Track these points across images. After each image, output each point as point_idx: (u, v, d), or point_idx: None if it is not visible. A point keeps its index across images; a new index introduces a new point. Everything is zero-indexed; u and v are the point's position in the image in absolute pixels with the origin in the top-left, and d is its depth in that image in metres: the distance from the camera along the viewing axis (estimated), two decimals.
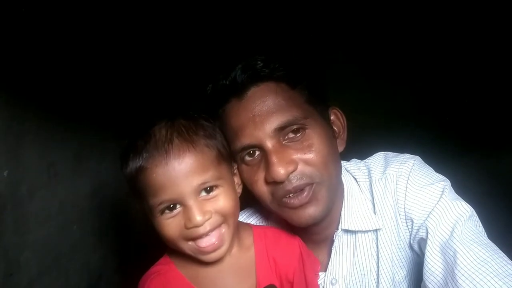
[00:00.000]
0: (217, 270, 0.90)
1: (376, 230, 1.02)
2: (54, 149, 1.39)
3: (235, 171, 0.98)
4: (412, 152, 1.07)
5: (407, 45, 2.55)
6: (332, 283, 1.04)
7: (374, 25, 2.53)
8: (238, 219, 0.96)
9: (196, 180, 0.83)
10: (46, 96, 1.35)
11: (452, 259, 0.86)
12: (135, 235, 2.03)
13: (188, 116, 0.92)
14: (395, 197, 1.00)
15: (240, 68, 0.95)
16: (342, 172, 1.06)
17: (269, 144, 0.91)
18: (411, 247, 1.01)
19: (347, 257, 1.04)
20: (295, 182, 0.92)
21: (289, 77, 0.96)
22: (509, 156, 2.46)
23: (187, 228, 0.82)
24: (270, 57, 0.97)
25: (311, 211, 0.94)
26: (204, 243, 0.84)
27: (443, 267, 0.88)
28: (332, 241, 1.05)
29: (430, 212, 0.94)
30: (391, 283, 1.01)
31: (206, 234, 0.84)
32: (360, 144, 1.26)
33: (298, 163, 0.92)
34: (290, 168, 0.91)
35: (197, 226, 0.82)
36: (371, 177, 1.04)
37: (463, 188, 1.04)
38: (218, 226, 0.86)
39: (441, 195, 0.95)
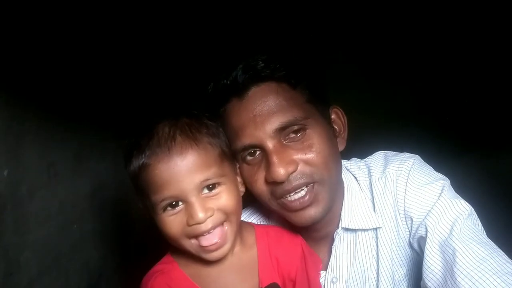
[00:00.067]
0: (220, 269, 0.90)
1: (376, 229, 1.02)
2: (54, 149, 1.40)
3: (238, 170, 0.99)
4: (412, 152, 1.07)
5: (407, 45, 2.55)
6: (332, 282, 1.04)
7: (374, 25, 2.54)
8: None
9: (199, 177, 0.83)
10: (46, 96, 1.36)
11: (451, 257, 0.86)
12: (135, 235, 2.03)
13: (191, 114, 0.92)
14: (394, 196, 1.00)
15: (241, 68, 0.95)
16: (343, 171, 1.07)
17: (269, 144, 0.91)
18: (410, 245, 1.01)
19: (348, 256, 1.04)
20: (294, 182, 0.92)
21: (290, 77, 0.96)
22: (509, 156, 2.46)
23: (189, 225, 0.82)
24: (271, 57, 0.97)
25: (312, 212, 0.95)
26: (207, 242, 0.84)
27: (442, 265, 0.88)
28: (333, 239, 1.05)
29: (430, 211, 0.94)
30: (391, 282, 1.01)
31: (208, 232, 0.84)
32: (360, 144, 1.26)
33: (298, 163, 0.92)
34: (291, 169, 0.91)
35: (199, 223, 0.82)
36: (371, 176, 1.05)
37: (463, 188, 1.04)
38: (221, 223, 0.86)
39: (441, 193, 0.95)
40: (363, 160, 1.12)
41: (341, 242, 1.05)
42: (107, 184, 1.77)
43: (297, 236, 1.02)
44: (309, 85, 0.99)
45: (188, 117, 0.90)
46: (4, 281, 1.14)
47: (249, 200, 1.04)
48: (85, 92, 1.60)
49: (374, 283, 1.03)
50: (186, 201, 0.83)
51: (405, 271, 1.03)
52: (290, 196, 0.94)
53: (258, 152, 0.95)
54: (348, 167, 1.11)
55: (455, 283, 0.83)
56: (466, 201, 0.95)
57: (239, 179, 0.97)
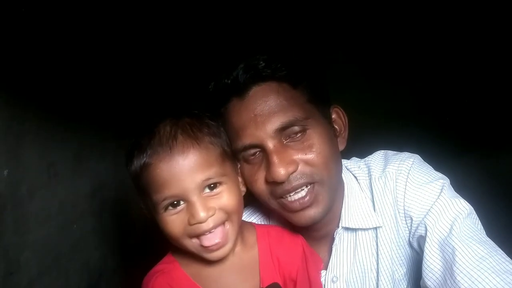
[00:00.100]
0: (221, 268, 0.90)
1: (376, 228, 1.02)
2: (54, 149, 1.40)
3: (239, 170, 0.99)
4: (412, 152, 1.07)
5: (407, 45, 2.55)
6: (333, 281, 1.04)
7: (374, 25, 2.54)
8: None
9: (200, 176, 0.83)
10: (46, 96, 1.36)
11: (450, 256, 0.86)
12: (135, 235, 2.03)
13: (192, 114, 0.92)
14: (394, 195, 1.00)
15: (242, 68, 0.95)
16: (343, 170, 1.07)
17: (270, 144, 0.91)
18: (410, 245, 1.01)
19: (348, 255, 1.04)
20: (294, 182, 0.92)
21: (291, 77, 0.96)
22: (509, 156, 2.46)
23: (191, 225, 0.82)
24: (272, 56, 0.97)
25: (312, 213, 0.95)
26: (208, 242, 0.84)
27: (442, 264, 0.88)
28: (333, 239, 1.05)
29: (429, 210, 0.94)
30: (390, 281, 1.01)
31: (209, 231, 0.84)
32: (360, 144, 1.26)
33: (298, 163, 0.92)
34: (291, 169, 0.91)
35: (201, 222, 0.82)
36: (371, 175, 1.05)
37: (463, 188, 1.04)
38: (222, 223, 0.86)
39: (440, 193, 0.95)
40: (363, 160, 1.12)
41: (341, 241, 1.05)
42: (107, 184, 1.77)
43: (298, 236, 1.02)
44: (310, 85, 0.99)
45: (189, 117, 0.90)
46: (4, 281, 1.14)
47: (250, 199, 1.04)
48: (85, 92, 1.60)
49: (374, 283, 1.03)
50: (187, 201, 0.83)
51: (405, 270, 1.03)
52: (290, 196, 0.94)
53: (258, 152, 0.95)
54: (348, 167, 1.11)
55: (454, 282, 0.83)
56: (466, 201, 0.96)
57: (240, 178, 0.97)
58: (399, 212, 1.00)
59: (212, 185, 0.85)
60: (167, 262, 0.95)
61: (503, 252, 0.87)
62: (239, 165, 0.98)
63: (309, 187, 0.94)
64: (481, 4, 2.33)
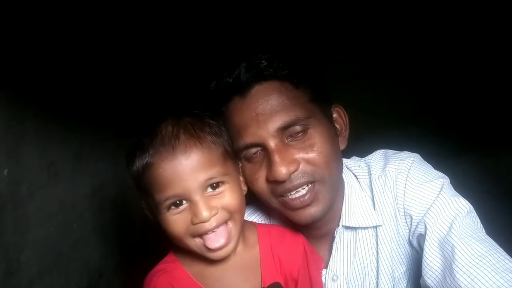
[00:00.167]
0: (223, 268, 0.90)
1: (376, 227, 1.02)
2: (54, 149, 1.39)
3: (240, 169, 0.99)
4: (412, 151, 1.08)
5: (407, 45, 2.55)
6: (333, 280, 1.04)
7: (374, 25, 2.54)
8: None
9: (203, 176, 0.83)
10: (46, 96, 1.35)
11: (450, 254, 0.87)
12: (135, 235, 2.03)
13: (194, 114, 0.93)
14: (394, 194, 1.00)
15: (244, 67, 0.95)
16: (343, 169, 1.07)
17: (272, 143, 0.92)
18: (410, 243, 1.01)
19: (348, 254, 1.04)
20: (295, 181, 0.92)
21: (293, 76, 0.96)
22: (509, 156, 2.46)
23: (194, 224, 0.83)
24: (274, 56, 0.97)
25: (312, 211, 0.95)
26: (213, 243, 0.84)
27: (442, 262, 0.88)
28: (333, 237, 1.05)
29: (429, 208, 0.94)
30: (390, 279, 1.01)
31: (212, 230, 0.84)
32: (360, 143, 1.26)
33: (300, 162, 0.93)
34: (292, 168, 0.91)
35: (204, 221, 0.82)
36: (371, 174, 1.05)
37: (463, 188, 1.04)
38: (224, 222, 0.86)
39: (440, 191, 0.95)
40: (363, 159, 1.12)
41: (342, 240, 1.05)
42: (107, 184, 1.77)
43: (299, 235, 1.02)
44: (311, 84, 0.99)
45: (191, 116, 0.90)
46: (4, 281, 1.14)
47: (251, 198, 1.04)
48: (85, 92, 1.60)
49: (374, 281, 1.03)
50: (190, 200, 0.83)
51: (404, 268, 1.03)
52: (291, 194, 0.94)
53: (259, 151, 0.95)
54: (349, 166, 1.11)
55: (454, 280, 0.83)
56: (465, 200, 0.96)
57: (241, 178, 0.97)
58: (399, 211, 1.00)
59: (214, 185, 0.85)
60: (169, 261, 0.95)
61: (502, 250, 0.87)
62: (240, 164, 0.98)
63: (310, 186, 0.94)
64: (481, 4, 2.33)
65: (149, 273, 0.93)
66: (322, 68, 1.11)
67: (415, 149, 1.08)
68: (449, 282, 0.85)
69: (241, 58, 0.97)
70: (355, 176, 1.08)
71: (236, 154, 0.97)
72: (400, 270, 1.02)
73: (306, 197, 0.93)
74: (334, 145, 0.99)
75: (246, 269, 0.92)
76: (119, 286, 1.84)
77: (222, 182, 0.87)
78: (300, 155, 0.93)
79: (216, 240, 0.84)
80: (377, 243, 1.02)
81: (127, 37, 1.93)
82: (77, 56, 1.53)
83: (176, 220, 0.84)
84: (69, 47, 1.48)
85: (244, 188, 0.98)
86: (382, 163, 1.05)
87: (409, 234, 1.00)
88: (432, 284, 0.89)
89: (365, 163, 1.09)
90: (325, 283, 1.05)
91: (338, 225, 1.05)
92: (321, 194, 0.95)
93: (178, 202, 0.84)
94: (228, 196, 0.87)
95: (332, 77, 1.21)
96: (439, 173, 1.01)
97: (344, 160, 1.10)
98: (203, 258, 0.88)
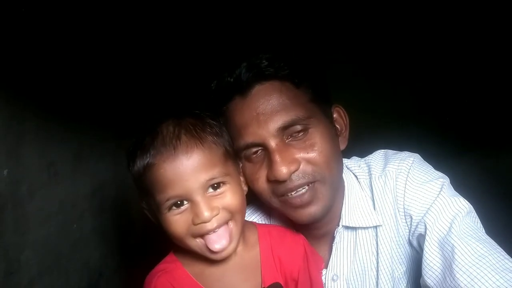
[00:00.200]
0: (223, 268, 0.90)
1: (376, 227, 1.02)
2: (54, 149, 1.39)
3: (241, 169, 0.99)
4: (412, 151, 1.08)
5: (407, 45, 2.55)
6: (333, 280, 1.04)
7: (374, 25, 2.54)
8: None
9: (204, 176, 0.83)
10: (46, 96, 1.35)
11: (450, 254, 0.87)
12: (135, 235, 2.03)
13: (194, 114, 0.93)
14: (394, 194, 1.00)
15: (245, 66, 0.95)
16: (343, 169, 1.07)
17: (272, 143, 0.92)
18: (410, 243, 1.01)
19: (348, 254, 1.04)
20: (296, 181, 0.92)
21: (293, 76, 0.96)
22: (509, 156, 2.46)
23: (195, 224, 0.83)
24: (275, 55, 0.98)
25: (312, 210, 0.95)
26: (214, 245, 0.84)
27: (442, 262, 0.88)
28: (333, 237, 1.05)
29: (429, 208, 0.94)
30: (390, 279, 1.02)
31: (213, 231, 0.84)
32: (360, 143, 1.26)
33: (300, 162, 0.93)
34: (293, 168, 0.91)
35: (205, 222, 0.82)
36: (371, 174, 1.05)
37: (463, 188, 1.04)
38: (225, 222, 0.86)
39: (440, 191, 0.95)
40: (363, 159, 1.12)
41: (342, 240, 1.05)
42: (107, 184, 1.77)
43: (299, 236, 1.02)
44: (312, 84, 0.99)
45: (192, 117, 0.91)
46: (4, 281, 1.14)
47: (251, 198, 1.04)
48: (85, 92, 1.60)
49: (374, 281, 1.03)
50: (191, 200, 0.83)
51: (404, 268, 1.03)
52: (291, 194, 0.94)
53: (260, 151, 0.95)
54: (349, 166, 1.11)
55: (454, 279, 0.84)
56: (466, 200, 0.96)
57: (242, 178, 0.97)
58: (399, 211, 1.00)
59: (215, 185, 0.86)
60: (169, 261, 0.95)
61: (502, 250, 0.87)
62: (240, 164, 0.98)
63: (310, 185, 0.94)
64: (481, 4, 2.33)
65: (150, 273, 0.93)
66: (322, 68, 1.11)
67: (415, 149, 1.08)
68: (449, 282, 0.85)
69: (242, 58, 0.97)
70: (355, 176, 1.09)
71: (237, 153, 0.97)
72: (400, 270, 1.03)
73: (306, 195, 0.94)
74: (335, 145, 0.99)
75: (247, 269, 0.92)
76: (119, 286, 1.84)
77: (223, 183, 0.87)
78: (300, 155, 0.93)
79: (218, 241, 0.84)
80: (377, 243, 1.02)
81: (127, 37, 1.93)
82: (77, 56, 1.53)
83: (177, 221, 0.84)
84: (69, 47, 1.48)
85: (245, 188, 0.98)
86: (382, 163, 1.05)
87: (409, 234, 1.00)
88: (432, 284, 0.89)
89: (365, 163, 1.09)
90: (325, 283, 1.05)
91: (338, 225, 1.05)
92: (321, 193, 0.95)
93: (179, 202, 0.84)
94: (229, 196, 0.87)
95: (332, 77, 1.21)
96: (439, 173, 1.01)
97: (344, 160, 1.11)
98: (204, 258, 0.88)
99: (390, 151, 1.09)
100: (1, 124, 1.14)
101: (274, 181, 0.93)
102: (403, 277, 1.03)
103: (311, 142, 0.94)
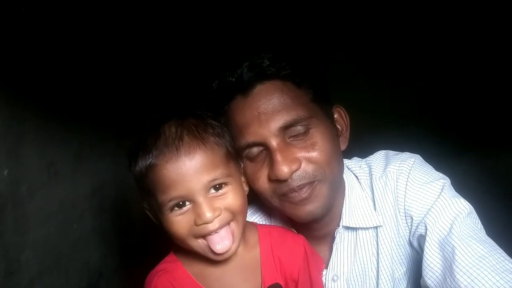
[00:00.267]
0: (223, 268, 0.90)
1: (376, 227, 1.02)
2: (54, 149, 1.40)
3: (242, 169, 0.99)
4: (412, 152, 1.08)
5: (407, 45, 2.55)
6: (333, 280, 1.04)
7: (374, 25, 2.54)
8: None
9: (206, 177, 0.83)
10: (46, 96, 1.36)
11: (450, 255, 0.87)
12: (135, 235, 2.03)
13: (196, 114, 0.93)
14: (395, 195, 1.00)
15: (246, 66, 0.95)
16: (344, 170, 1.07)
17: (273, 142, 0.92)
18: (410, 244, 1.01)
19: (348, 254, 1.04)
20: (298, 180, 0.92)
21: (295, 75, 0.96)
22: (509, 156, 2.46)
23: (197, 225, 0.83)
24: (276, 55, 0.98)
25: (311, 208, 0.95)
26: (216, 245, 0.84)
27: (442, 263, 0.88)
28: (333, 238, 1.05)
29: (429, 209, 0.94)
30: (390, 280, 1.02)
31: (215, 231, 0.84)
32: (361, 143, 1.26)
33: (301, 161, 0.93)
34: (294, 167, 0.91)
35: (207, 222, 0.82)
36: (372, 175, 1.05)
37: (463, 188, 1.04)
38: (227, 223, 0.86)
39: (441, 192, 0.95)
40: (364, 160, 1.12)
41: (342, 240, 1.05)
42: (107, 184, 1.77)
43: (300, 236, 1.02)
44: (313, 84, 0.99)
45: (194, 117, 0.90)
46: (4, 280, 1.14)
47: (252, 199, 1.04)
48: (85, 92, 1.60)
49: (374, 281, 1.03)
50: (193, 201, 0.83)
51: (405, 269, 1.03)
52: (292, 193, 0.94)
53: (261, 150, 0.95)
54: (350, 166, 1.11)
55: (454, 280, 0.83)
56: (466, 200, 0.96)
57: (243, 178, 0.97)
58: (399, 212, 1.00)
59: (217, 186, 0.85)
60: (170, 261, 0.95)
61: (503, 251, 0.87)
62: (242, 164, 0.98)
63: (310, 185, 0.94)
64: (481, 4, 2.33)
65: (150, 272, 0.93)
66: (322, 68, 1.11)
67: (415, 149, 1.08)
68: (449, 283, 0.85)
69: (243, 58, 0.98)
70: (356, 176, 1.09)
71: (238, 153, 0.96)
72: (400, 270, 1.03)
73: (306, 194, 0.93)
74: (335, 145, 1.00)
75: (247, 269, 0.92)
76: (119, 286, 1.84)
77: (225, 183, 0.87)
78: (301, 154, 0.93)
79: (221, 242, 0.84)
80: (377, 244, 1.02)
81: (127, 37, 1.93)
82: (77, 56, 1.53)
83: (179, 221, 0.84)
84: (69, 47, 1.48)
85: (246, 188, 0.98)
86: (383, 164, 1.05)
87: (410, 235, 1.00)
88: (432, 285, 0.89)
89: (366, 164, 1.09)
90: (325, 283, 1.05)
91: (339, 226, 1.05)
92: (320, 192, 0.95)
93: (181, 203, 0.84)
94: (231, 197, 0.87)
95: (332, 77, 1.21)
96: (440, 174, 1.01)
97: (345, 161, 1.10)
98: (204, 258, 0.88)
99: (391, 152, 1.09)
100: (1, 124, 1.14)
101: (275, 181, 0.93)
102: (403, 277, 1.03)
103: (312, 141, 0.94)
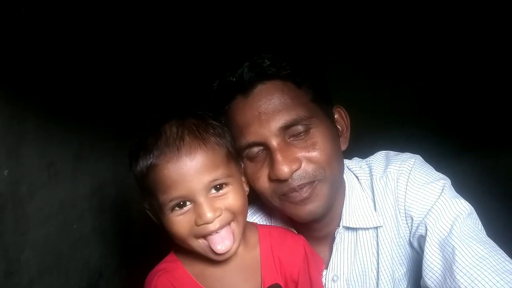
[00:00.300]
0: (223, 268, 0.91)
1: (376, 228, 1.02)
2: (54, 149, 1.40)
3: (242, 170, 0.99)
4: (412, 152, 1.08)
5: (406, 45, 2.55)
6: (333, 280, 1.04)
7: (374, 25, 2.54)
8: None
9: (207, 177, 0.83)
10: (46, 96, 1.36)
11: (450, 255, 0.87)
12: (135, 235, 2.03)
13: (197, 115, 0.93)
14: (395, 195, 1.00)
15: (247, 66, 0.95)
16: (344, 170, 1.07)
17: (274, 142, 0.92)
18: (410, 244, 1.01)
19: (348, 254, 1.04)
20: (298, 180, 0.92)
21: (295, 75, 0.96)
22: (509, 156, 2.46)
23: (198, 225, 0.83)
24: (277, 55, 0.98)
25: (311, 208, 0.95)
26: (217, 245, 0.84)
27: (442, 264, 0.88)
28: (333, 238, 1.05)
29: (430, 210, 0.94)
30: (391, 280, 1.02)
31: (216, 231, 0.84)
32: (360, 143, 1.26)
33: (302, 161, 0.93)
34: (294, 167, 0.91)
35: (208, 223, 0.82)
36: (372, 175, 1.05)
37: (463, 188, 1.04)
38: (228, 223, 0.86)
39: (441, 193, 0.95)
40: (364, 160, 1.12)
41: (342, 240, 1.05)
42: (107, 184, 1.77)
43: (300, 237, 1.02)
44: (313, 84, 0.99)
45: (195, 117, 0.91)
46: (4, 280, 1.14)
47: (252, 199, 1.04)
48: (85, 92, 1.60)
49: (374, 282, 1.03)
50: (194, 201, 0.83)
51: (405, 270, 1.03)
52: (293, 193, 0.94)
53: (262, 150, 0.95)
54: (350, 167, 1.11)
55: (454, 281, 0.84)
56: (466, 201, 0.96)
57: (243, 178, 0.98)
58: (399, 212, 1.00)
59: (218, 186, 0.86)
60: (170, 261, 0.95)
61: (503, 252, 0.87)
62: (242, 164, 0.98)
63: (311, 185, 0.94)
64: (481, 4, 2.33)
65: (150, 272, 0.93)
66: (322, 68, 1.11)
67: (415, 149, 1.08)
68: (449, 283, 0.85)
69: (243, 58, 0.98)
70: (356, 176, 1.09)
71: (238, 153, 0.97)
72: (400, 271, 1.03)
73: (306, 193, 0.94)
74: (336, 145, 1.00)
75: (247, 270, 0.92)
76: (119, 286, 1.84)
77: (226, 184, 0.87)
78: (302, 154, 0.93)
79: (221, 242, 0.84)
80: (377, 244, 1.02)
81: (128, 37, 1.93)
82: (77, 56, 1.53)
83: (180, 221, 0.84)
84: (69, 47, 1.48)
85: (246, 188, 0.98)
86: (384, 164, 1.05)
87: (410, 235, 1.00)
88: (432, 286, 0.89)
89: (367, 164, 1.10)
90: (325, 284, 1.05)
91: (339, 226, 1.05)
92: (320, 191, 0.95)
93: (182, 203, 0.84)
94: (232, 197, 0.87)
95: (332, 77, 1.21)
96: (440, 175, 1.01)
97: (346, 161, 1.11)
98: (204, 258, 0.88)
99: (391, 152, 1.09)
100: (1, 124, 1.14)
101: (276, 181, 0.93)
102: (403, 278, 1.03)
103: (312, 141, 0.94)
